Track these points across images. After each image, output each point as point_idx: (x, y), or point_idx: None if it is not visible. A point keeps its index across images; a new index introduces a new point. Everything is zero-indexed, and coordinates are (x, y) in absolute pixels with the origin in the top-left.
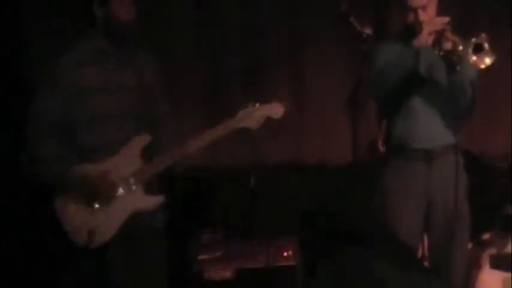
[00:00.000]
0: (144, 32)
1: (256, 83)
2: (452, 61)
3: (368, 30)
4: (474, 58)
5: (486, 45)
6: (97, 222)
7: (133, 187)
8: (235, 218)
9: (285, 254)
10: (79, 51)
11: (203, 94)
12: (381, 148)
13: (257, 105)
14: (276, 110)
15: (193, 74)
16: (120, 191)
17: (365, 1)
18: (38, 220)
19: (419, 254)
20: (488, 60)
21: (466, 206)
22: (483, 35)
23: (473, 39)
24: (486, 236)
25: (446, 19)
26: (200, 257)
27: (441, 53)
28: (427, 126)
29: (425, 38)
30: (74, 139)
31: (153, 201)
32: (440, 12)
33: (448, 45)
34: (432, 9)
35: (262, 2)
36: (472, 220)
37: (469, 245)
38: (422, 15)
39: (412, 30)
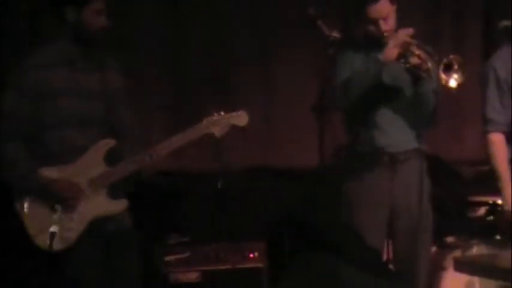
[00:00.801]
0: (111, 37)
1: (224, 89)
2: (418, 75)
3: (336, 34)
4: (444, 77)
5: (456, 65)
6: (60, 225)
7: (97, 191)
8: (202, 222)
9: (251, 256)
10: (46, 53)
11: (171, 102)
12: None
13: (222, 113)
14: (241, 118)
15: (161, 81)
16: (84, 194)
17: (334, 5)
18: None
19: (384, 257)
20: (458, 80)
21: (429, 210)
22: (452, 56)
23: (445, 59)
24: (450, 239)
25: (409, 30)
26: (167, 259)
27: (407, 66)
28: (390, 130)
29: (390, 52)
30: (39, 142)
31: (116, 205)
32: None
33: (414, 60)
34: (392, 19)
35: (231, 7)
36: (437, 223)
37: (433, 248)
38: (384, 26)
39: (374, 39)
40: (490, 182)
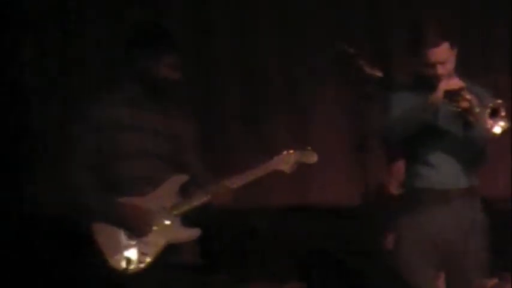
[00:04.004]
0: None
1: (257, 126)
2: (467, 119)
3: (378, 73)
4: (490, 122)
5: (502, 112)
6: (135, 249)
7: (171, 219)
8: (239, 260)
9: None
10: (116, 92)
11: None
12: (394, 191)
13: (291, 151)
14: (309, 156)
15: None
16: (158, 221)
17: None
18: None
19: None
20: (503, 126)
21: (484, 249)
22: (499, 100)
23: (491, 104)
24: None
25: (462, 83)
26: None
27: (458, 109)
28: (444, 169)
29: (441, 94)
30: (107, 172)
31: (190, 233)
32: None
33: (464, 104)
34: (451, 63)
35: (260, 43)
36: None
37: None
38: (441, 70)
39: (426, 81)
40: None
